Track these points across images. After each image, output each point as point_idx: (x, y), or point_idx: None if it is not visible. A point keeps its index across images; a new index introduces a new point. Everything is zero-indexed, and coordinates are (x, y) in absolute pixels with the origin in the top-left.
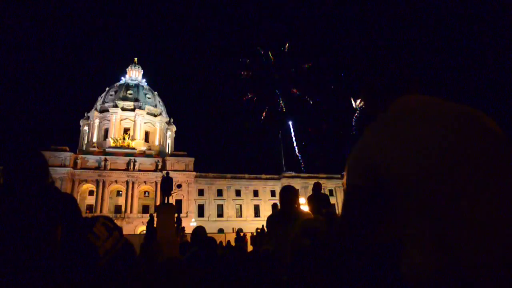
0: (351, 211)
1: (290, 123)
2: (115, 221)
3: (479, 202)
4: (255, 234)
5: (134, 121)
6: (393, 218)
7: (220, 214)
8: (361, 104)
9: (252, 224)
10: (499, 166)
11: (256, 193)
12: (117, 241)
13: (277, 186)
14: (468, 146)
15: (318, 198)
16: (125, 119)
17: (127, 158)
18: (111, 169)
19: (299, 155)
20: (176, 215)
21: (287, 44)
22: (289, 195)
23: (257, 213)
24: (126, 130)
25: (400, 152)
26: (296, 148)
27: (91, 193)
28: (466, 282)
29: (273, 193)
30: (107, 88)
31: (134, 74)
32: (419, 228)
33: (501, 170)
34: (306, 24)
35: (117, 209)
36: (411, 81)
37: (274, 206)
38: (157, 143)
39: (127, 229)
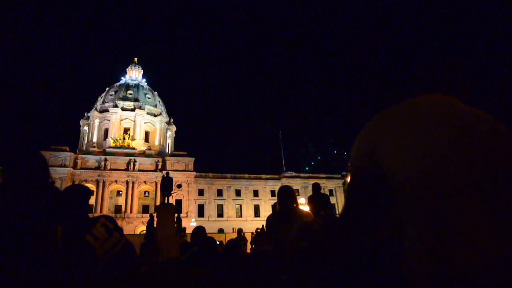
0: (355, 194)
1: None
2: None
3: (479, 205)
4: (255, 234)
5: (134, 121)
6: (393, 215)
7: (220, 214)
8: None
9: (252, 224)
10: (501, 170)
11: (256, 193)
12: (117, 242)
13: (277, 186)
14: (471, 150)
15: (318, 199)
16: (125, 119)
17: (127, 158)
18: (111, 169)
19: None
20: (176, 215)
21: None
22: (286, 195)
23: (257, 213)
24: (126, 130)
25: (401, 148)
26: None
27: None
28: (464, 283)
29: (273, 193)
30: (107, 88)
31: (134, 74)
32: (418, 229)
33: (503, 174)
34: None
35: (117, 209)
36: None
37: (274, 206)
38: (157, 143)
39: (127, 229)
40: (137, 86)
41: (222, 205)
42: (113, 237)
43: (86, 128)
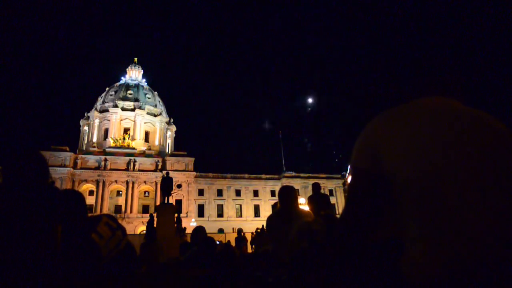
0: (356, 194)
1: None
2: None
3: (480, 205)
4: (255, 234)
5: (134, 121)
6: (393, 216)
7: (220, 214)
8: None
9: (252, 224)
10: (501, 170)
11: (256, 193)
12: (120, 240)
13: (277, 186)
14: (472, 150)
15: (318, 199)
16: (125, 119)
17: (127, 158)
18: (111, 169)
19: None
20: (176, 215)
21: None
22: (288, 195)
23: (257, 213)
24: (126, 130)
25: (403, 149)
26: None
27: (91, 193)
28: (465, 283)
29: (273, 193)
30: (107, 88)
31: (134, 74)
32: (420, 229)
33: (503, 174)
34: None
35: (117, 209)
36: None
37: (274, 206)
38: (157, 143)
39: (127, 229)
40: (137, 86)
41: (222, 205)
42: (116, 236)
43: (86, 128)
